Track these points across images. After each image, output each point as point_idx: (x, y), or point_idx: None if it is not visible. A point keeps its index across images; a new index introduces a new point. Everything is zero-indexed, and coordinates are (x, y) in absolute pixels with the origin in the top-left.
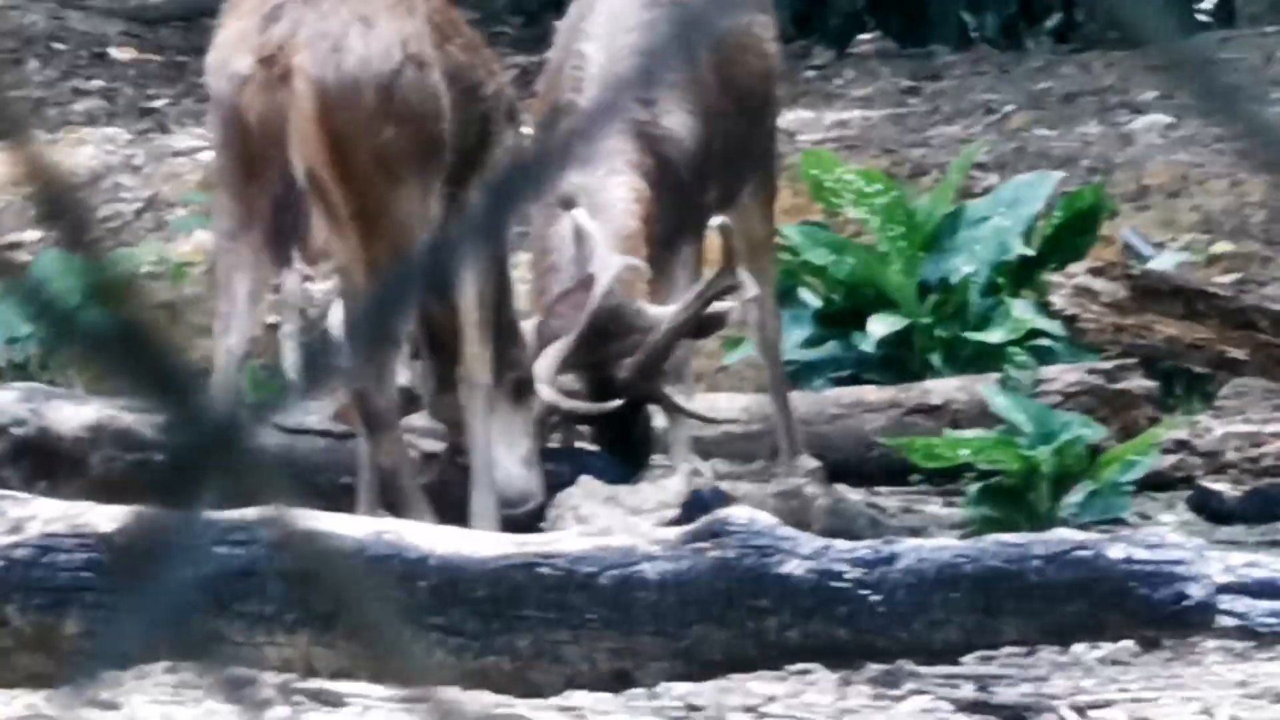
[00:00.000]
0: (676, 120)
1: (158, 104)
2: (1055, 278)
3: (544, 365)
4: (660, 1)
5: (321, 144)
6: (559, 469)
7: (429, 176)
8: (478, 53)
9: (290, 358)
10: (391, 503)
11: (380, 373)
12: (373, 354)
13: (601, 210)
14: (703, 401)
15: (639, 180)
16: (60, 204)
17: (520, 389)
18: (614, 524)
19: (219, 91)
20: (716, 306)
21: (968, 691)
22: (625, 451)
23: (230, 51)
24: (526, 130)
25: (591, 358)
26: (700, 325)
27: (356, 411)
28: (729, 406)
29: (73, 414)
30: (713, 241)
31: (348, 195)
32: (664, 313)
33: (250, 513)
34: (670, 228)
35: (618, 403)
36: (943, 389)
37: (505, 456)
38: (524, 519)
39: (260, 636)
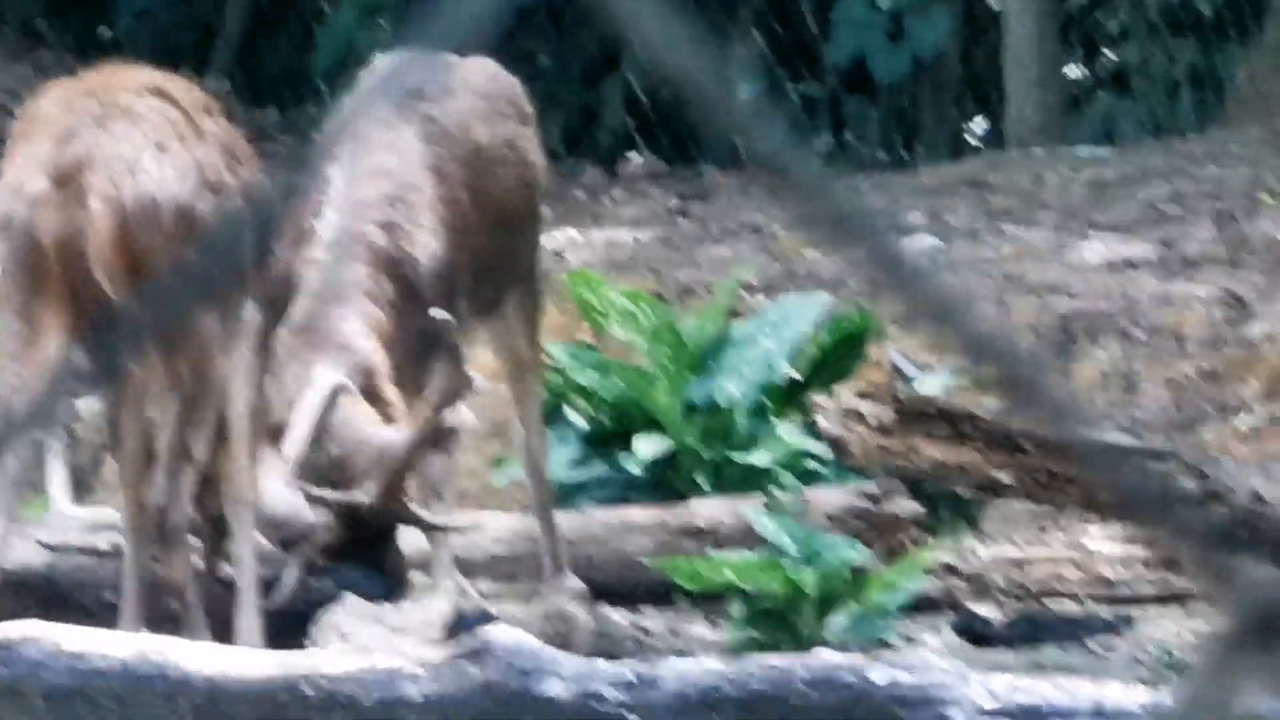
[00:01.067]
0: (419, 241)
1: None
2: (822, 400)
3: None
4: (409, 121)
5: (118, 264)
6: (322, 584)
7: (229, 300)
8: (257, 174)
9: (56, 482)
10: (156, 618)
11: (176, 490)
12: (170, 470)
13: (332, 343)
14: (466, 520)
15: (373, 308)
16: None
17: (275, 434)
18: (377, 643)
19: (11, 212)
20: (455, 416)
21: None
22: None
23: (22, 173)
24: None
25: (332, 482)
26: (437, 436)
27: (151, 526)
28: (495, 526)
29: None
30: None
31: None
32: (394, 432)
33: (11, 630)
34: (418, 349)
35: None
36: (708, 511)
37: (268, 483)
38: (295, 538)
39: None
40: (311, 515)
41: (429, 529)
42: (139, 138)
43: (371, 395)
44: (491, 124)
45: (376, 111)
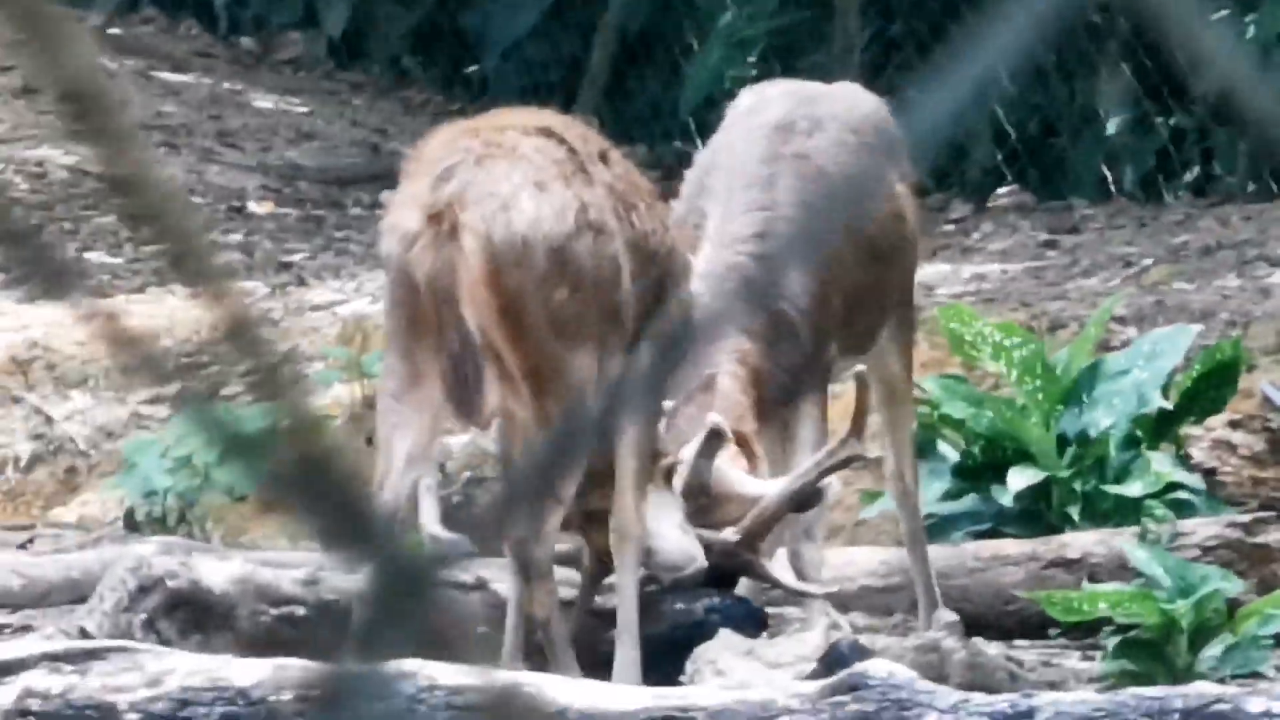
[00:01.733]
0: (792, 275)
1: (295, 258)
2: (1194, 431)
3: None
4: (780, 156)
5: (490, 303)
6: (692, 609)
7: (607, 341)
8: (658, 217)
9: (428, 513)
10: (532, 653)
11: (539, 524)
12: (535, 506)
13: (705, 382)
14: (838, 556)
15: (747, 342)
16: (253, 347)
17: (668, 474)
18: (752, 677)
19: (390, 252)
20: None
21: None
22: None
23: (401, 211)
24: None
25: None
26: (806, 498)
27: (513, 560)
28: (866, 559)
29: (218, 568)
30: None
31: (518, 354)
32: (765, 486)
33: (388, 665)
34: (788, 385)
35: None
36: (1081, 542)
37: (662, 525)
38: (689, 581)
39: None
40: (704, 559)
41: (768, 582)
42: (518, 177)
43: (736, 436)
44: (859, 156)
45: (749, 145)
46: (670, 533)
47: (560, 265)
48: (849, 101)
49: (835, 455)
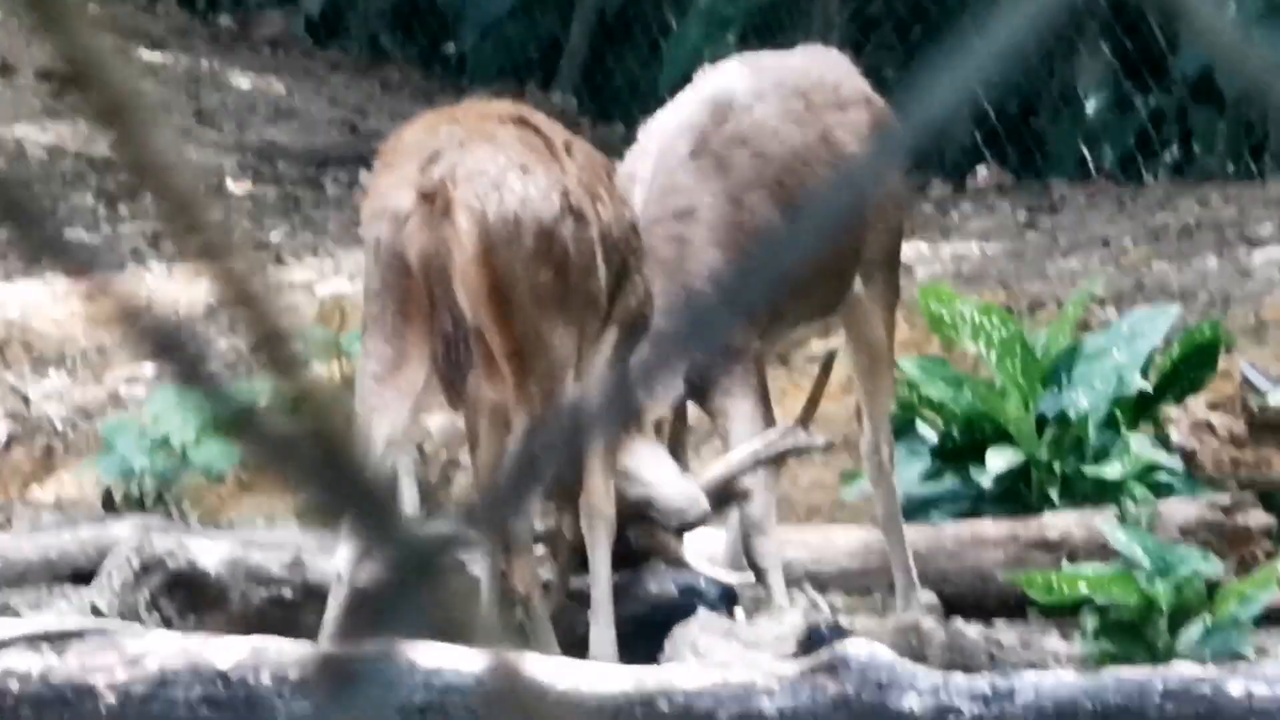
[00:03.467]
0: (710, 253)
1: (273, 237)
2: (1173, 412)
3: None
4: (718, 121)
5: (482, 280)
6: (668, 589)
7: (585, 325)
8: (620, 203)
9: (406, 494)
10: (508, 634)
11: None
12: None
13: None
14: (817, 536)
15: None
16: (257, 319)
17: (658, 428)
18: (732, 658)
19: (378, 235)
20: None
21: None
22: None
23: (390, 192)
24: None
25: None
26: (724, 498)
27: (492, 539)
28: (845, 540)
29: (210, 549)
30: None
31: (505, 334)
32: (681, 486)
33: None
34: (702, 377)
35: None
36: (1060, 523)
37: (659, 474)
38: (696, 522)
39: None
40: (706, 501)
41: (681, 565)
42: (503, 159)
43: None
44: (803, 123)
45: (684, 126)
46: (668, 480)
47: (547, 246)
48: (803, 64)
49: (774, 446)
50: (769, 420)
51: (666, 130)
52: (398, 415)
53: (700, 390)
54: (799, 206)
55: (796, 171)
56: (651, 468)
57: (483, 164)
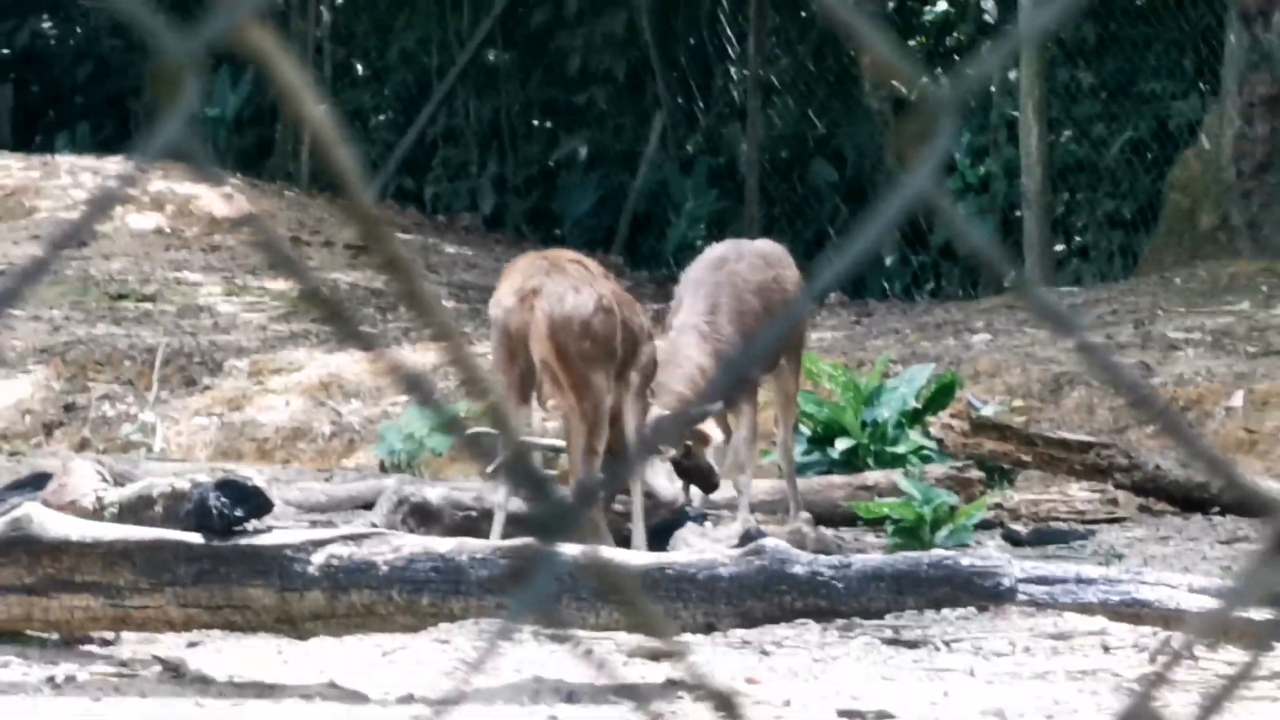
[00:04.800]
0: (724, 331)
1: (468, 328)
2: (932, 419)
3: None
4: (720, 272)
5: (550, 348)
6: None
7: (609, 369)
8: (633, 307)
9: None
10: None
11: (590, 468)
12: (585, 459)
13: (667, 392)
14: (756, 485)
15: (695, 369)
16: (462, 368)
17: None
18: (706, 548)
19: (496, 318)
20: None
21: (888, 634)
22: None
23: (503, 295)
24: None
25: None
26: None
27: (579, 496)
28: (767, 486)
29: (433, 490)
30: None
31: (566, 375)
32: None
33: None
34: (733, 392)
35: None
36: (874, 478)
37: (658, 478)
38: (671, 509)
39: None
40: (684, 497)
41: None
42: (565, 282)
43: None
44: (763, 271)
45: (703, 268)
46: (663, 482)
47: (586, 329)
48: (763, 247)
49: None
50: (755, 420)
51: (698, 273)
52: (518, 410)
53: (730, 401)
54: (769, 323)
55: (763, 292)
56: (654, 473)
57: (554, 284)
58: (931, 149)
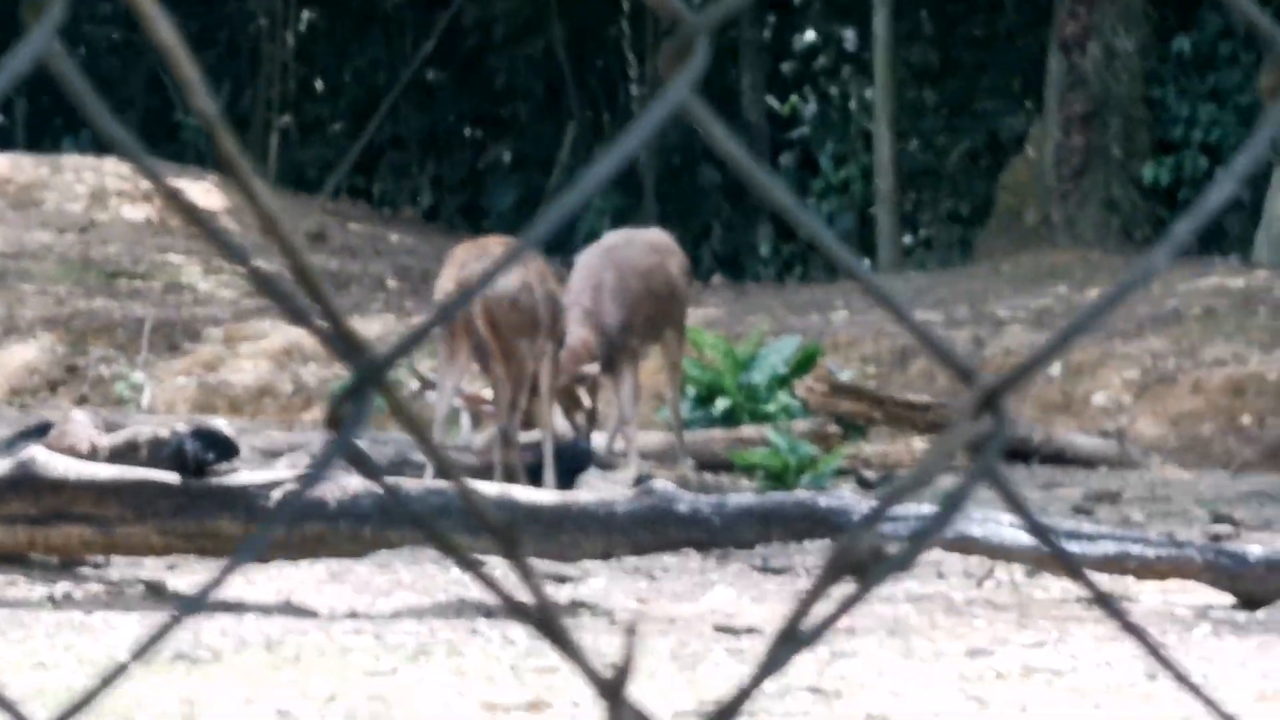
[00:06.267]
0: (608, 309)
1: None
2: (798, 382)
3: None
4: (609, 258)
5: (486, 324)
6: (575, 450)
7: (534, 339)
8: (552, 285)
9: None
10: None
11: (513, 420)
12: (509, 411)
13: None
14: (646, 437)
15: (579, 342)
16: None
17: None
18: (605, 489)
19: (439, 297)
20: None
21: (758, 562)
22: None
23: (445, 281)
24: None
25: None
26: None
27: (502, 442)
28: (656, 439)
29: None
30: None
31: (496, 344)
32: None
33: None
34: (603, 359)
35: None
36: (749, 432)
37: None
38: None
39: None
40: (591, 449)
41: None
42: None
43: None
44: (649, 257)
45: (593, 255)
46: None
47: (515, 305)
48: (652, 236)
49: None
50: (635, 381)
51: (588, 258)
52: (451, 381)
53: (609, 365)
54: (653, 302)
55: (648, 275)
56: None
57: (486, 266)
58: (689, 66)
